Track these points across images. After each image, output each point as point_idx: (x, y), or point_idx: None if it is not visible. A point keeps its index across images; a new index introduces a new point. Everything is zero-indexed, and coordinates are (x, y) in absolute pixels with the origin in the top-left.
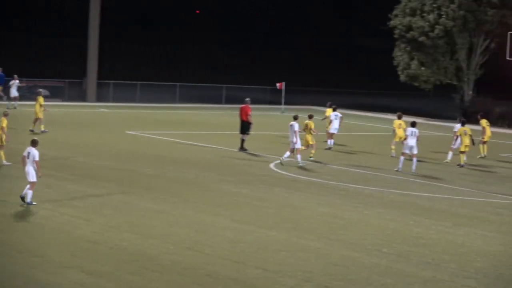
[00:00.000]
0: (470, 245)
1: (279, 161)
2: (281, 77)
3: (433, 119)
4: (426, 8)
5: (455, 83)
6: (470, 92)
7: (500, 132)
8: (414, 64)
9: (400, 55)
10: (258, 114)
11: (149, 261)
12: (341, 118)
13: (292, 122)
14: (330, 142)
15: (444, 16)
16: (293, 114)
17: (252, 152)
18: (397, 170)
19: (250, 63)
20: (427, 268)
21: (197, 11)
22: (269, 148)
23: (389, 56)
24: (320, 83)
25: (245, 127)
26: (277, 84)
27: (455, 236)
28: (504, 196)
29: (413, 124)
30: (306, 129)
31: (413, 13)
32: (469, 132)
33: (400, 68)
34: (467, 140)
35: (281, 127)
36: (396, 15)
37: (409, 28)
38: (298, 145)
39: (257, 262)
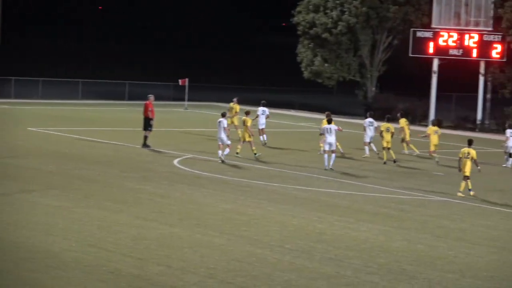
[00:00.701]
0: (373, 241)
1: (218, 159)
2: (184, 73)
3: (336, 116)
4: (329, 4)
5: (358, 79)
6: (373, 89)
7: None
8: (318, 60)
9: (303, 52)
10: (161, 110)
11: (50, 259)
12: (268, 115)
13: (221, 119)
14: (263, 137)
15: (347, 13)
16: (222, 111)
17: (155, 149)
18: (325, 169)
19: (153, 59)
20: (330, 264)
21: (100, 8)
22: (173, 145)
23: (293, 52)
24: (224, 79)
25: (147, 123)
26: (180, 81)
27: (358, 232)
28: (407, 192)
29: (329, 121)
30: (244, 125)
31: (316, 10)
32: (392, 129)
33: (303, 64)
34: (388, 137)
35: (185, 123)
36: (299, 12)
37: (313, 25)
38: (227, 141)
39: (160, 259)
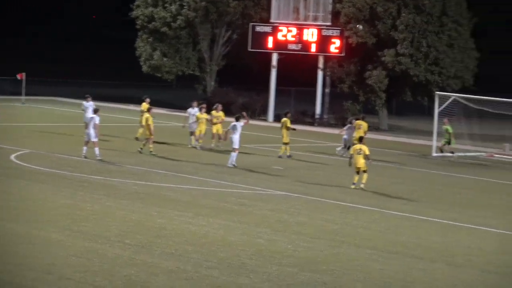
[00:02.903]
0: (213, 235)
1: (83, 156)
2: (22, 67)
3: (176, 110)
4: None
5: (197, 74)
6: (213, 83)
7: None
8: (157, 55)
9: (142, 46)
10: None
11: None
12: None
13: (93, 115)
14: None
15: (186, 7)
16: (96, 108)
17: None
18: (234, 166)
19: None
20: (171, 259)
21: None
22: (9, 140)
23: (132, 47)
24: (64, 74)
25: None
26: (18, 75)
27: (198, 226)
28: (247, 186)
29: (237, 119)
30: (146, 123)
31: (155, 4)
32: (288, 124)
33: (142, 59)
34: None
35: (22, 118)
36: (138, 6)
37: (151, 19)
38: (95, 138)
39: None
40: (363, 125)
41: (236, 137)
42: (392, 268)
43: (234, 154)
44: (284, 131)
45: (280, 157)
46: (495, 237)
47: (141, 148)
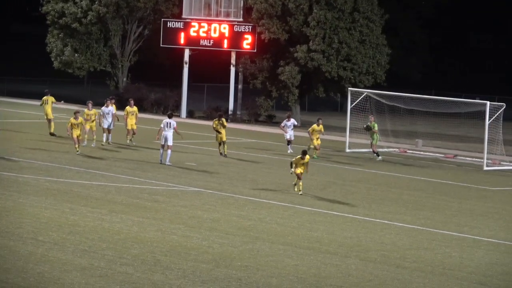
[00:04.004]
0: (127, 232)
1: None
2: None
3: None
4: None
5: (109, 69)
6: (125, 79)
7: (155, 119)
8: (68, 50)
9: (53, 42)
10: None
11: None
12: None
13: None
14: None
15: (97, 3)
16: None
17: None
18: (160, 162)
19: None
20: (84, 256)
21: None
22: None
23: (42, 42)
24: None
25: None
26: None
27: (111, 223)
28: (159, 182)
29: (170, 116)
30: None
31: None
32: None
33: (53, 54)
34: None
35: None
36: (48, 1)
37: (62, 14)
38: None
39: None
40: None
41: (170, 134)
42: (306, 263)
43: (169, 152)
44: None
45: (223, 155)
46: (409, 232)
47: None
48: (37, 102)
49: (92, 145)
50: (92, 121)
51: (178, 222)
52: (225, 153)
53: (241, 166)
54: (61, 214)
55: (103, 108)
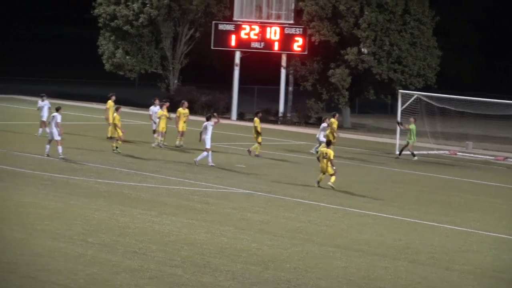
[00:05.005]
0: (177, 234)
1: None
2: None
3: (138, 108)
4: None
5: (160, 72)
6: (176, 81)
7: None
8: (119, 53)
9: (105, 44)
10: None
11: None
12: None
13: (55, 113)
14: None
15: (148, 5)
16: (59, 106)
17: None
18: (197, 164)
19: None
20: (134, 258)
21: None
22: None
23: (94, 45)
24: (25, 71)
25: None
26: None
27: (161, 225)
28: (210, 184)
29: (208, 118)
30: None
31: (117, 2)
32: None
33: (105, 57)
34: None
35: None
36: (100, 4)
37: (114, 17)
38: (58, 137)
39: None
40: (332, 123)
41: (207, 137)
42: (355, 265)
43: (205, 154)
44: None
45: (257, 155)
46: (458, 234)
47: (116, 148)
48: (88, 104)
49: (176, 143)
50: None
51: (228, 224)
52: (257, 153)
53: (290, 168)
54: (112, 216)
55: (151, 107)
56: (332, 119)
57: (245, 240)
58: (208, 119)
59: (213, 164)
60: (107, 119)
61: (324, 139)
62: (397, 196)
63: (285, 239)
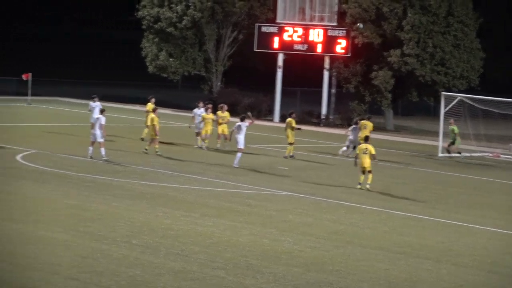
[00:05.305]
0: (220, 236)
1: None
2: (27, 67)
3: (181, 110)
4: None
5: (203, 74)
6: (219, 83)
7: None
8: (163, 55)
9: (148, 46)
10: (4, 105)
11: None
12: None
13: (99, 115)
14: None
15: (192, 7)
16: (103, 108)
17: None
18: (235, 166)
19: None
20: (177, 259)
21: None
22: (15, 140)
23: (137, 47)
24: (69, 74)
25: None
26: (23, 75)
27: (204, 227)
28: (252, 186)
29: (242, 119)
30: (151, 124)
31: (161, 4)
32: (293, 124)
33: (148, 59)
34: (290, 135)
35: (28, 118)
36: (144, 6)
37: (157, 19)
38: (101, 138)
39: (3, 255)
40: (368, 125)
41: (241, 137)
42: (397, 268)
43: (239, 155)
44: (289, 131)
45: (285, 157)
46: (501, 237)
47: (146, 149)
48: (131, 107)
49: (218, 145)
50: (223, 123)
51: (270, 226)
52: (291, 154)
53: (332, 170)
54: (155, 217)
55: (195, 110)
56: (367, 122)
57: (287, 242)
58: (242, 120)
59: (237, 166)
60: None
61: (353, 138)
62: (440, 198)
63: (327, 241)
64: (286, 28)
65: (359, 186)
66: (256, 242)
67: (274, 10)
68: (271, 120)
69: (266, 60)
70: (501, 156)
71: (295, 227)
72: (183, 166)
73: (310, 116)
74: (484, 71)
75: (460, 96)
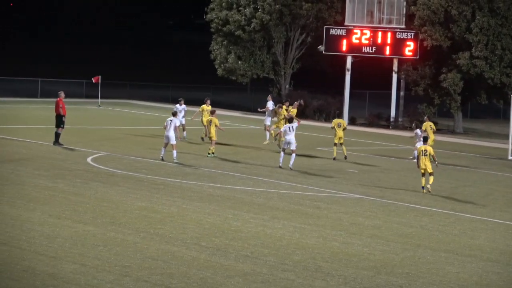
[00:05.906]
0: (289, 238)
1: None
2: (97, 70)
3: (250, 113)
4: (242, 2)
5: (272, 76)
6: (287, 86)
7: (317, 126)
8: (231, 58)
9: (217, 49)
10: (74, 108)
11: None
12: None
13: (172, 118)
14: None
15: (260, 10)
16: (172, 111)
17: (68, 146)
18: (280, 167)
19: (66, 56)
20: (246, 261)
21: (11, 4)
22: (86, 142)
23: (206, 50)
24: (138, 77)
25: (59, 120)
26: (93, 78)
27: (273, 229)
28: (321, 189)
29: (290, 120)
30: (210, 125)
31: (229, 7)
32: (344, 125)
33: (217, 62)
34: (340, 133)
35: (98, 121)
36: (212, 9)
37: (226, 22)
38: (174, 141)
39: (75, 257)
40: (424, 125)
41: (292, 139)
42: (467, 271)
43: (294, 156)
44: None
45: (334, 159)
46: None
47: (213, 153)
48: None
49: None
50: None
51: (339, 229)
52: (345, 154)
53: (402, 173)
54: (224, 220)
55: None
56: (426, 123)
57: (356, 245)
58: (291, 121)
59: (281, 166)
60: (203, 122)
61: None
62: (509, 202)
63: (397, 244)
64: (354, 31)
65: (424, 190)
66: (325, 245)
67: (342, 12)
68: None
69: (335, 62)
70: None
71: (364, 229)
72: (252, 168)
73: (379, 119)
74: None
75: None
